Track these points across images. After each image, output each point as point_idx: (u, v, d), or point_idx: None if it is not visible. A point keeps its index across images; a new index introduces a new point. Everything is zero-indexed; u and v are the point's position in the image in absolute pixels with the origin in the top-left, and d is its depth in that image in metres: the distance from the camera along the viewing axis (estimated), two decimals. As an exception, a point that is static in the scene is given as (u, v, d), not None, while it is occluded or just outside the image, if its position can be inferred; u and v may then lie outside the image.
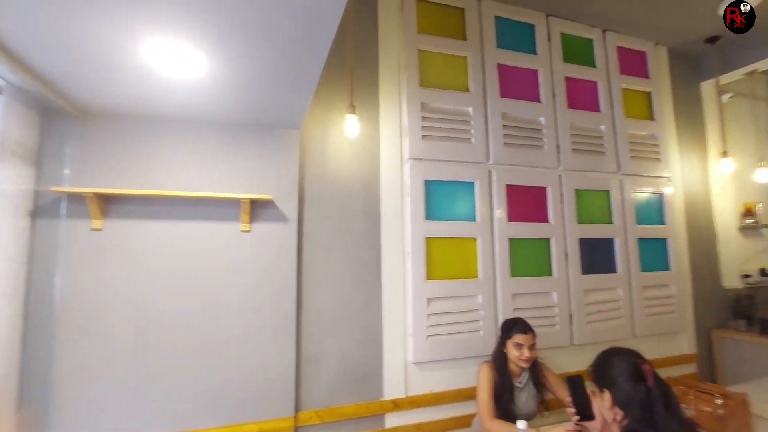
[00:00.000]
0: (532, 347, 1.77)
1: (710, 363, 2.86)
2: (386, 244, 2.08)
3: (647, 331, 2.55)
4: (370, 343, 2.00)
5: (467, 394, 2.06)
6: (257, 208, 1.85)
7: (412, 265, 2.06)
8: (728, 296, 3.00)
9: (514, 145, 2.36)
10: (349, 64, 2.06)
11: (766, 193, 3.45)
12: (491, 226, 2.24)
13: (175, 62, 1.29)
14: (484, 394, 1.72)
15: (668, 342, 2.70)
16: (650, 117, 2.85)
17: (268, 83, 1.46)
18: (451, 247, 2.16)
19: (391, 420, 1.97)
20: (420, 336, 2.01)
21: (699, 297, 2.87)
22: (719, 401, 1.56)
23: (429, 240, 2.11)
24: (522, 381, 1.80)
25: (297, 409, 1.83)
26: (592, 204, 2.55)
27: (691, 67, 3.21)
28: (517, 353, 1.75)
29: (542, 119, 2.46)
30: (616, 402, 1.17)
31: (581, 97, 2.63)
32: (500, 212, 2.26)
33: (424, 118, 2.18)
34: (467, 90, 2.31)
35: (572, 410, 1.31)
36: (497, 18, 2.45)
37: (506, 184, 2.31)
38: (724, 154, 2.93)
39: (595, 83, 2.69)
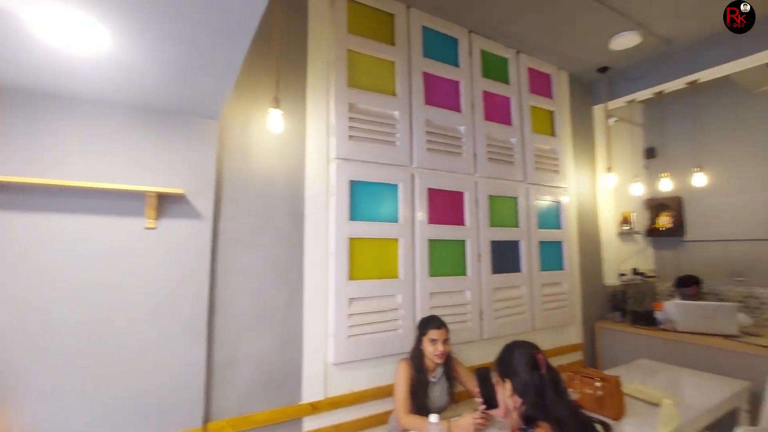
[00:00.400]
0: (445, 342, 1.88)
1: (592, 350, 3.31)
2: (309, 243, 2.05)
3: (544, 324, 2.86)
4: (290, 345, 1.95)
5: (387, 392, 2.12)
6: (166, 203, 1.69)
7: (335, 266, 2.05)
8: (608, 292, 3.50)
9: (436, 150, 2.48)
10: (276, 56, 1.98)
11: (639, 205, 4.09)
12: (413, 228, 2.33)
13: (68, 34, 1.12)
14: (401, 390, 1.78)
15: (560, 333, 3.06)
16: (552, 133, 3.20)
17: (182, 68, 1.35)
18: (374, 247, 2.20)
19: (309, 423, 1.95)
20: (341, 336, 2.02)
21: (586, 293, 3.30)
22: (598, 384, 1.81)
23: (353, 240, 2.12)
24: (436, 376, 1.90)
25: (206, 419, 1.72)
26: (503, 209, 2.78)
27: (586, 92, 3.67)
28: (431, 348, 1.85)
29: (462, 128, 2.62)
30: (516, 390, 1.29)
31: (496, 110, 2.86)
32: (422, 214, 2.36)
33: (351, 119, 2.19)
34: (394, 94, 2.37)
35: (479, 400, 1.42)
36: (425, 28, 2.55)
37: (428, 188, 2.41)
38: (609, 169, 3.40)
39: (508, 99, 2.94)
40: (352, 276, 2.10)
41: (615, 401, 1.76)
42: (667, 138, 4.17)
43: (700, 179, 3.55)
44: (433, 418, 1.44)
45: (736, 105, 3.66)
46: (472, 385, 1.94)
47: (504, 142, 2.84)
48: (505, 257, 2.74)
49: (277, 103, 1.80)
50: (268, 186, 1.98)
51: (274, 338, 1.91)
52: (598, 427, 1.56)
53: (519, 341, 1.41)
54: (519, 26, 2.74)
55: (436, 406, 1.87)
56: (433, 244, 2.40)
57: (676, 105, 4.04)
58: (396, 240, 2.27)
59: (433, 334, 1.86)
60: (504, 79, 2.95)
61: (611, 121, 3.70)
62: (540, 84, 3.19)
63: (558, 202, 3.13)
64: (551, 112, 3.22)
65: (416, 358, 1.88)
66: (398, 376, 1.83)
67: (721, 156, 3.75)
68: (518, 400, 1.28)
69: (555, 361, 2.80)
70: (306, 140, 2.10)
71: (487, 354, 2.53)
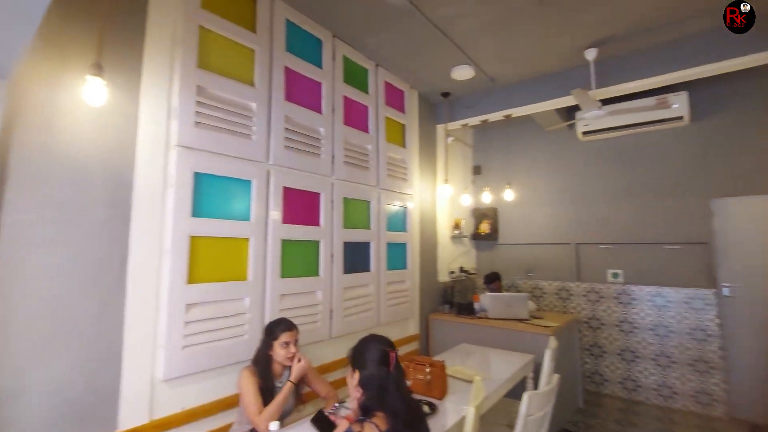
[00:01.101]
0: (296, 343, 1.86)
1: (426, 340, 3.76)
2: (137, 241, 1.74)
3: (389, 319, 3.12)
4: (103, 363, 1.62)
5: (228, 403, 1.96)
6: None
7: (170, 267, 1.80)
8: (440, 288, 4.02)
9: (294, 149, 2.43)
10: (102, 15, 1.63)
11: (467, 213, 4.83)
12: (266, 227, 2.23)
13: None
14: (251, 398, 1.69)
15: (402, 326, 3.38)
16: (403, 144, 3.52)
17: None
18: (221, 247, 2.03)
19: (127, 452, 1.66)
20: (174, 347, 1.78)
21: (423, 289, 3.73)
22: (428, 369, 2.07)
23: (195, 239, 1.90)
24: (283, 380, 1.86)
25: (-36, 473, 1.29)
26: (356, 211, 2.92)
27: (432, 111, 4.16)
28: (284, 352, 1.81)
29: (322, 129, 2.64)
30: (361, 381, 1.36)
31: (356, 117, 2.98)
32: (276, 214, 2.28)
33: (199, 103, 1.96)
34: (252, 84, 2.23)
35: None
36: (289, 22, 2.48)
37: (284, 187, 2.35)
38: (446, 181, 3.93)
39: (366, 107, 3.10)
40: (192, 279, 1.88)
41: (440, 383, 2.03)
42: (489, 158, 5.07)
43: (509, 194, 4.43)
44: (273, 426, 1.41)
45: (535, 138, 4.70)
46: (320, 386, 1.97)
47: (361, 148, 2.98)
48: (356, 258, 2.87)
49: (98, 70, 1.48)
50: (82, 170, 1.61)
51: (79, 356, 1.56)
52: (426, 408, 1.78)
53: (377, 336, 1.47)
54: (378, 41, 2.92)
55: (283, 410, 1.83)
56: (287, 244, 2.35)
57: (496, 132, 4.95)
58: (247, 239, 2.14)
59: (285, 336, 1.82)
60: (364, 88, 3.10)
61: (449, 139, 4.28)
62: (395, 98, 3.46)
63: (405, 207, 3.46)
64: (403, 125, 3.54)
65: (262, 364, 1.80)
66: (245, 385, 1.73)
67: (523, 176, 4.75)
68: (360, 391, 1.36)
69: (396, 352, 3.08)
70: (138, 121, 1.79)
71: (335, 352, 2.61)
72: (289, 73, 2.45)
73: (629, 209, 4.04)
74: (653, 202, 3.92)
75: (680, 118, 3.53)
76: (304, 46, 2.59)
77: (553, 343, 2.60)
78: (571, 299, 4.28)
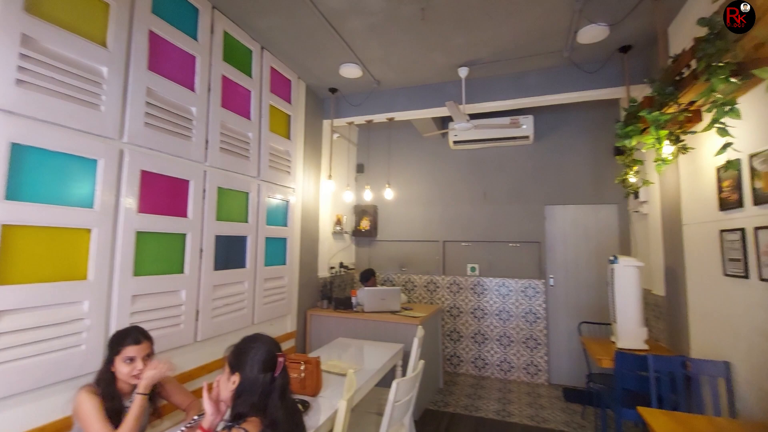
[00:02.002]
0: (148, 357, 1.61)
1: (304, 336, 3.71)
2: None
3: (264, 318, 2.97)
4: None
5: (58, 427, 1.61)
6: None
7: (-32, 265, 1.38)
8: (319, 283, 4.02)
9: (157, 128, 2.12)
10: None
11: (349, 209, 4.92)
12: (115, 217, 1.89)
13: None
14: (94, 422, 1.39)
15: (278, 324, 3.27)
16: (288, 136, 3.39)
17: None
18: (49, 239, 1.64)
19: None
20: (-29, 368, 1.38)
21: (302, 285, 3.67)
22: (302, 367, 2.04)
23: (9, 229, 1.50)
24: (133, 398, 1.60)
25: None
26: (232, 203, 2.70)
27: (319, 105, 4.10)
28: (127, 369, 1.52)
29: (194, 109, 2.36)
30: (241, 385, 1.23)
31: (236, 100, 2.75)
32: (131, 201, 1.96)
33: (24, 57, 1.55)
34: (104, 45, 1.86)
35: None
36: (156, -21, 2.14)
37: (142, 170, 2.03)
38: (330, 177, 3.93)
39: (249, 92, 2.88)
40: (5, 279, 1.48)
41: (314, 380, 2.03)
42: (372, 157, 5.26)
43: (388, 193, 4.67)
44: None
45: (414, 142, 5.05)
46: (181, 398, 1.76)
47: (240, 135, 2.77)
48: (230, 253, 2.66)
49: None
50: None
51: None
52: (299, 407, 1.75)
53: (263, 337, 1.34)
54: (266, 23, 2.75)
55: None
56: (144, 237, 2.03)
57: (380, 133, 5.16)
58: (88, 231, 1.78)
59: (131, 351, 1.53)
60: (247, 71, 2.87)
61: (335, 136, 4.29)
62: (281, 87, 3.31)
63: (287, 201, 3.34)
64: (288, 116, 3.40)
65: (105, 382, 1.51)
66: (84, 410, 1.41)
67: (402, 177, 5.06)
68: (236, 396, 1.24)
69: (270, 351, 2.96)
70: None
71: (201, 357, 2.38)
72: (154, 38, 2.12)
73: (486, 211, 4.67)
74: (503, 206, 4.60)
75: (527, 137, 4.23)
76: (176, 11, 2.27)
77: (420, 331, 2.84)
78: (437, 291, 4.74)
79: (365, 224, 4.97)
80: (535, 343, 4.31)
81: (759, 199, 1.75)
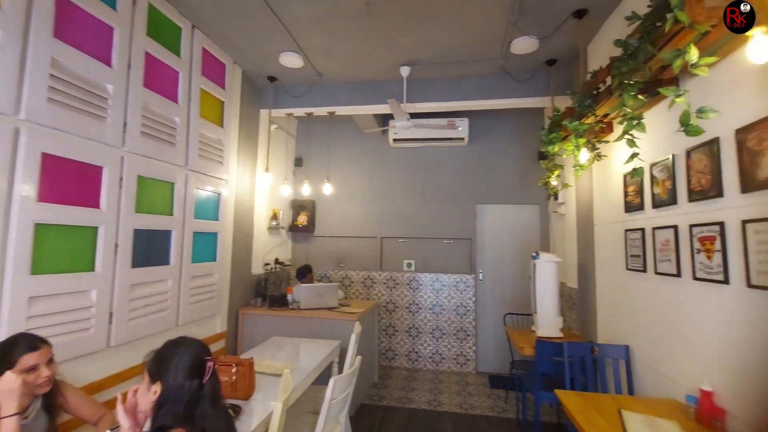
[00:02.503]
0: (50, 362, 1.41)
1: (236, 337, 3.52)
2: None
3: (190, 319, 2.76)
4: None
5: None
6: None
7: None
8: (253, 280, 3.84)
9: (64, 105, 1.85)
10: None
11: (286, 204, 4.76)
12: (8, 206, 1.62)
13: None
14: None
15: (207, 325, 3.06)
16: (221, 123, 3.17)
17: None
18: None
19: None
20: None
21: (235, 282, 3.47)
22: (234, 369, 1.93)
23: None
24: (31, 413, 1.39)
25: None
26: (155, 194, 2.46)
27: (256, 94, 3.90)
28: (32, 378, 1.33)
29: (111, 87, 2.10)
30: (162, 395, 1.11)
31: (161, 81, 2.50)
32: (28, 188, 1.69)
33: None
34: (-7, 3, 1.57)
35: None
36: (64, -67, 1.86)
37: (43, 153, 1.76)
38: (266, 169, 3.76)
39: (177, 73, 2.64)
40: None
41: (246, 383, 1.93)
42: (311, 151, 5.13)
43: (327, 188, 4.59)
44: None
45: (354, 138, 5.02)
46: (89, 410, 1.57)
47: (166, 119, 2.52)
48: (151, 248, 2.42)
49: None
50: None
51: None
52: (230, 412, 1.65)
53: (189, 340, 1.21)
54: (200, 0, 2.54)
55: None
56: (45, 229, 1.77)
57: (320, 126, 5.06)
58: (-30, 221, 1.50)
59: (30, 359, 1.34)
60: (175, 49, 2.62)
61: (273, 127, 4.11)
62: (214, 70, 3.08)
63: (218, 194, 3.13)
64: (222, 102, 3.18)
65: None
66: None
67: (341, 172, 5.02)
68: (158, 407, 1.11)
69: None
70: None
71: (115, 364, 2.14)
72: (63, 5, 1.84)
73: (422, 209, 4.81)
74: (439, 204, 4.77)
75: (462, 139, 4.43)
76: (88, -27, 2.00)
77: (357, 327, 2.84)
78: (374, 287, 4.78)
79: (303, 219, 4.84)
80: (464, 334, 4.54)
81: (657, 203, 2.01)
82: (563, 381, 2.39)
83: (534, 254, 3.18)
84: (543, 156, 3.46)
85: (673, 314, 1.89)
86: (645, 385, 2.15)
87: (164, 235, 2.54)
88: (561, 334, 3.02)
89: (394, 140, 4.57)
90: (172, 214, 2.59)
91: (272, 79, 3.73)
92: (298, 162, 5.11)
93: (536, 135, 4.42)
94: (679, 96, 1.49)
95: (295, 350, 2.80)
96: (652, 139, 2.02)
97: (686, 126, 1.47)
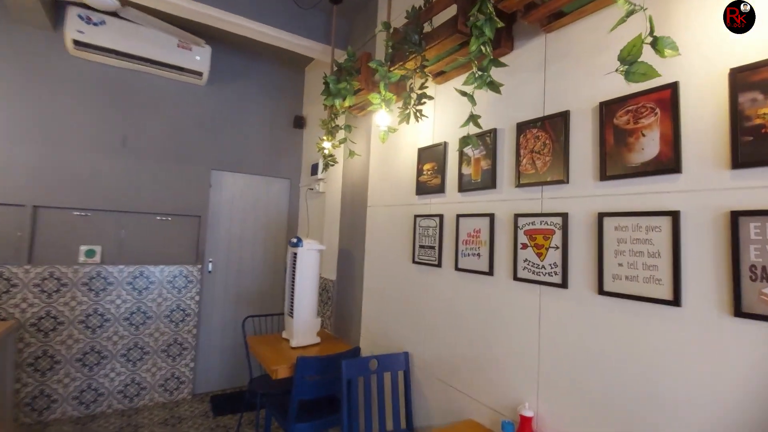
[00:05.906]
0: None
1: None
2: None
3: None
4: None
5: None
6: None
7: None
8: None
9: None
10: None
11: None
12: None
13: None
14: None
15: None
16: None
17: None
18: None
19: None
20: None
21: None
22: None
23: None
24: None
25: None
26: None
27: None
28: None
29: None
30: None
31: None
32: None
33: None
34: None
35: None
36: None
37: None
38: None
39: None
40: None
41: None
42: None
43: None
44: None
45: (-24, 17, 2.65)
46: None
47: None
48: None
49: None
50: None
51: None
52: None
53: None
54: None
55: None
56: None
57: None
58: None
59: None
60: None
61: None
62: None
63: None
64: None
65: None
66: None
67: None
68: None
69: None
70: None
71: None
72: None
73: (122, 168, 3.12)
74: (153, 165, 3.24)
75: (200, 74, 3.10)
76: None
77: None
78: (11, 293, 2.71)
79: None
80: (180, 348, 3.27)
81: (465, 186, 1.68)
82: (325, 404, 1.77)
83: (294, 240, 2.44)
84: (299, 123, 2.76)
85: (480, 321, 1.59)
86: (421, 393, 1.82)
87: None
88: (318, 339, 2.44)
89: (78, 44, 2.68)
90: None
91: None
92: None
93: (293, 98, 3.72)
94: (631, 11, 0.90)
95: None
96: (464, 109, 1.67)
97: (633, 66, 0.93)
